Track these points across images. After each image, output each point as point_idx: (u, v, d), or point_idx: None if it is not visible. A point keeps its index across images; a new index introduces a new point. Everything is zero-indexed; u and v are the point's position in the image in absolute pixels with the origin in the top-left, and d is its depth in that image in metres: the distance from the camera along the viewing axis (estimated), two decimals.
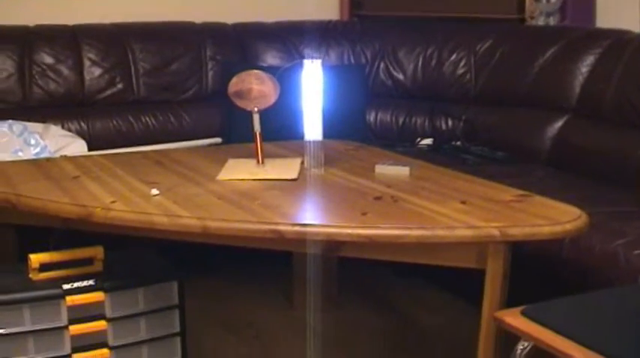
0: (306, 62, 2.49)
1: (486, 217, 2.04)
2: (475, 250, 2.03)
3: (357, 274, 3.40)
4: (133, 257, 2.49)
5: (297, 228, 1.99)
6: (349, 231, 1.97)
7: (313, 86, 2.51)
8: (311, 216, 2.10)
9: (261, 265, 3.41)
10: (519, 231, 1.98)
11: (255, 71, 2.54)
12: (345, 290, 3.24)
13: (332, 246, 2.14)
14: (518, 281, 2.14)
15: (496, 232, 1.96)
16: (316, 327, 2.98)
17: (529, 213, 2.08)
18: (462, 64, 3.80)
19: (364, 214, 2.07)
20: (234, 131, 3.65)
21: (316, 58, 2.55)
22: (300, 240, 2.03)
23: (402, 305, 3.19)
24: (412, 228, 1.97)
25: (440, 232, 1.96)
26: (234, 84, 2.54)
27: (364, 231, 1.97)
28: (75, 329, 2.27)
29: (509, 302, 2.03)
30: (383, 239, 1.97)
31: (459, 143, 3.59)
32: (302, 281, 3.07)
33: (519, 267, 2.12)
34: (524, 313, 1.73)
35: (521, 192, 2.29)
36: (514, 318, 1.73)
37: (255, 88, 2.53)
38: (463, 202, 2.18)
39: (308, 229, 1.99)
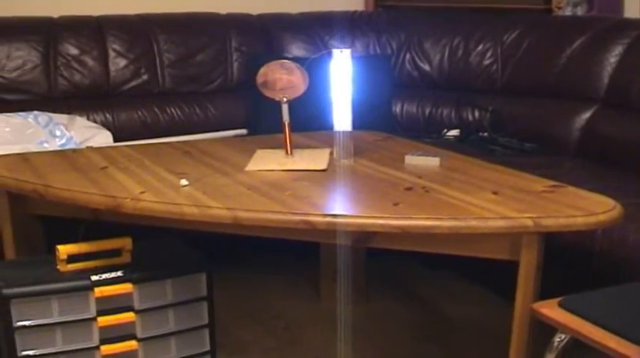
0: (335, 52, 2.47)
1: (519, 208, 2.01)
2: (508, 241, 2.01)
3: (385, 266, 3.39)
4: (161, 248, 2.48)
5: (328, 219, 1.97)
6: (381, 221, 1.95)
7: (342, 76, 2.48)
8: (342, 206, 2.07)
9: (288, 256, 3.40)
10: (553, 221, 1.95)
11: (284, 61, 2.52)
12: (372, 281, 3.21)
13: (363, 237, 2.12)
14: (550, 273, 2.11)
15: (530, 223, 1.93)
16: (345, 319, 2.96)
17: (562, 204, 2.05)
18: (489, 54, 3.76)
19: (396, 205, 2.05)
20: (260, 122, 3.63)
21: (345, 48, 2.53)
22: (331, 230, 2.01)
23: (430, 297, 3.17)
24: (445, 219, 1.95)
25: (473, 223, 1.94)
26: (263, 74, 2.53)
27: (396, 221, 1.95)
28: (103, 320, 2.26)
29: (540, 294, 2.01)
30: (415, 229, 1.95)
31: (486, 134, 3.55)
32: (329, 272, 3.05)
33: (550, 258, 2.09)
34: (561, 305, 1.71)
35: (553, 182, 2.27)
36: (551, 310, 1.70)
37: (284, 78, 2.51)
38: (495, 193, 2.15)
39: (339, 220, 1.97)
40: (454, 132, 3.66)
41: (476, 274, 3.25)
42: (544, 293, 2.00)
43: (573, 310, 1.68)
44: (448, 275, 3.33)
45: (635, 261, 2.37)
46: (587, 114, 3.40)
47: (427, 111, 3.84)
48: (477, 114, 3.72)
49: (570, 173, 2.98)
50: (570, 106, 3.46)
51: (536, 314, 1.73)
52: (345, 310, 3.01)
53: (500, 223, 1.94)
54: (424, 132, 3.68)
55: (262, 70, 2.53)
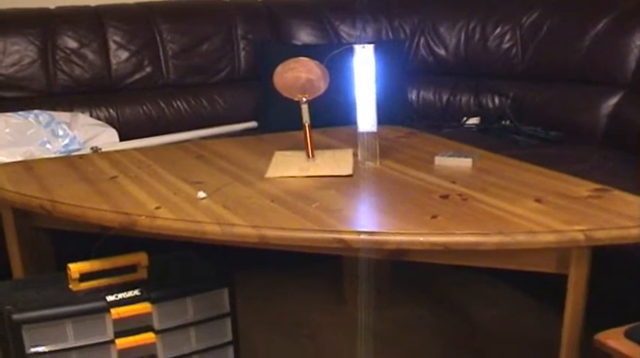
0: (357, 48, 2.31)
1: (567, 218, 1.87)
2: (556, 254, 1.87)
3: (410, 267, 3.24)
4: (179, 262, 2.33)
5: (363, 237, 1.83)
6: (421, 238, 1.81)
7: (365, 74, 2.32)
8: (376, 221, 1.92)
9: (310, 261, 3.24)
10: (606, 234, 1.80)
11: (302, 58, 2.36)
12: (397, 284, 3.07)
13: (399, 253, 1.97)
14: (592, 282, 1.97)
15: (581, 236, 1.79)
16: (371, 325, 2.82)
17: (611, 212, 1.91)
18: (508, 37, 3.60)
19: (434, 217, 1.90)
20: (271, 113, 3.48)
21: (360, 42, 2.37)
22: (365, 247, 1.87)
23: (458, 299, 3.03)
24: (490, 234, 1.80)
25: (521, 238, 1.79)
26: (280, 73, 2.36)
27: (438, 238, 1.80)
28: (122, 343, 2.12)
29: None
30: (459, 246, 1.81)
31: (508, 122, 3.40)
32: (354, 277, 2.91)
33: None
34: (627, 335, 1.56)
35: (597, 185, 2.12)
36: (617, 341, 1.56)
37: (303, 77, 2.35)
38: (538, 200, 2.00)
39: (376, 237, 1.83)
40: (474, 121, 3.51)
41: (506, 274, 3.10)
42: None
43: None
44: (476, 275, 3.19)
45: None
46: (613, 100, 3.24)
47: (445, 98, 3.68)
48: (497, 100, 3.57)
49: (604, 166, 2.84)
50: (596, 92, 3.30)
51: (600, 347, 1.59)
52: (369, 316, 2.87)
53: (550, 237, 1.80)
54: (442, 121, 3.53)
55: (279, 69, 2.36)
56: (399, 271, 3.14)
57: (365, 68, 2.33)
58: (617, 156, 3.02)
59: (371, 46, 2.32)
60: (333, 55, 2.43)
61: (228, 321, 2.27)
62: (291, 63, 2.36)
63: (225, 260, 2.37)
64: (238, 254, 2.76)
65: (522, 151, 2.92)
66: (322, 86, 2.36)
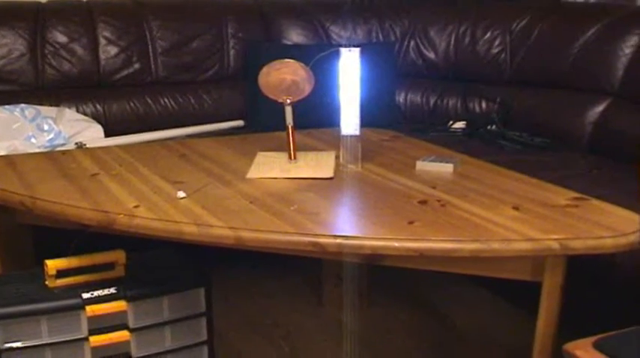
0: (343, 51, 2.31)
1: (544, 227, 1.87)
2: (531, 262, 1.87)
3: (391, 270, 3.24)
4: (157, 260, 2.33)
5: (339, 241, 1.82)
6: (396, 244, 1.81)
7: (350, 77, 2.32)
8: (352, 225, 1.92)
9: (286, 259, 3.24)
10: (581, 244, 1.80)
11: (288, 60, 2.36)
12: (375, 285, 3.07)
13: (375, 257, 1.98)
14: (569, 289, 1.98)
15: (556, 245, 1.79)
16: (349, 326, 2.82)
17: (588, 221, 1.91)
18: (497, 42, 3.61)
19: (411, 223, 1.90)
20: (258, 112, 3.48)
21: (350, 43, 2.38)
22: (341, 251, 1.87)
23: (437, 302, 3.03)
24: (465, 241, 1.80)
25: (495, 246, 1.79)
26: (265, 74, 2.36)
27: (413, 243, 1.80)
28: (96, 340, 2.12)
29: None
30: (434, 253, 1.81)
31: (494, 127, 3.40)
32: (332, 276, 2.91)
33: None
34: (596, 345, 1.56)
35: (576, 194, 2.12)
36: (586, 352, 1.56)
37: (288, 79, 2.35)
38: (516, 208, 2.01)
39: (351, 242, 1.83)
40: (460, 124, 3.51)
41: (487, 279, 3.11)
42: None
43: (610, 352, 1.54)
44: (457, 279, 3.19)
45: None
46: (600, 108, 3.25)
47: (432, 101, 3.69)
48: (484, 105, 3.57)
49: (586, 175, 2.84)
50: (582, 99, 3.31)
51: (569, 357, 1.59)
52: (348, 317, 2.87)
53: (525, 245, 1.80)
54: (429, 124, 3.53)
55: (264, 70, 2.36)
56: (380, 273, 3.14)
57: (350, 71, 2.32)
58: (601, 163, 3.02)
59: (357, 50, 2.32)
60: (320, 57, 2.42)
61: (204, 321, 2.27)
62: (276, 64, 2.36)
63: (205, 256, 2.36)
64: (218, 250, 2.77)
65: (507, 157, 2.93)
66: (307, 89, 2.36)
